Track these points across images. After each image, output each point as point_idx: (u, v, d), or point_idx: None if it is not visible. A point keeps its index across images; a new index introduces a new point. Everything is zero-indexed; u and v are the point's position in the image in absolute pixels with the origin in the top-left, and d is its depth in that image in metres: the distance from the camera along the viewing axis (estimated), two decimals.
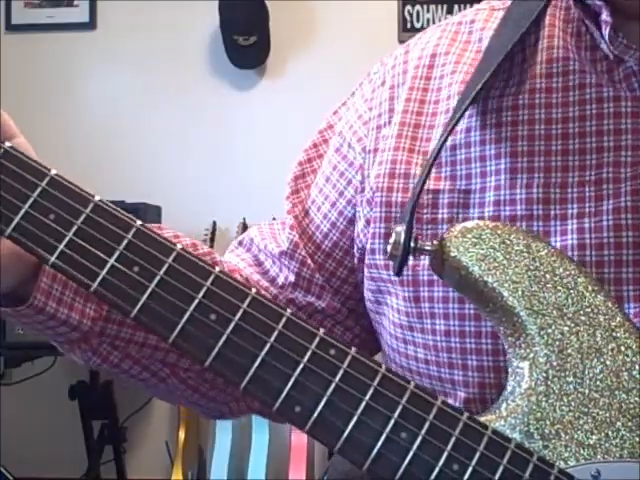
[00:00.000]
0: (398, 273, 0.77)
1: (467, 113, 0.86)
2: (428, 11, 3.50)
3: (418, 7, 3.50)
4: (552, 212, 0.81)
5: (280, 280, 0.96)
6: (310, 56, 3.52)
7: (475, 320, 0.82)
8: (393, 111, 0.93)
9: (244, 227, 3.33)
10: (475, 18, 0.94)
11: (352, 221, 0.94)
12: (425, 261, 0.84)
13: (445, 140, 0.82)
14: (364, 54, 3.19)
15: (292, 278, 0.96)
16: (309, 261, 0.95)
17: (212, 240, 3.32)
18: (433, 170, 0.86)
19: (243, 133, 3.50)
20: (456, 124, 0.83)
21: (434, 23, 3.43)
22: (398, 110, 0.92)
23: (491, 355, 0.81)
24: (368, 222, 0.91)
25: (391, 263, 0.86)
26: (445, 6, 3.49)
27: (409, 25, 3.50)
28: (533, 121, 0.84)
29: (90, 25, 3.59)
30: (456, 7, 3.47)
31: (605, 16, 0.81)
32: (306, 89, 3.46)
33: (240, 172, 3.46)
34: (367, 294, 0.92)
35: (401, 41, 3.47)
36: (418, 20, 3.50)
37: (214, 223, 3.38)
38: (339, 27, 3.50)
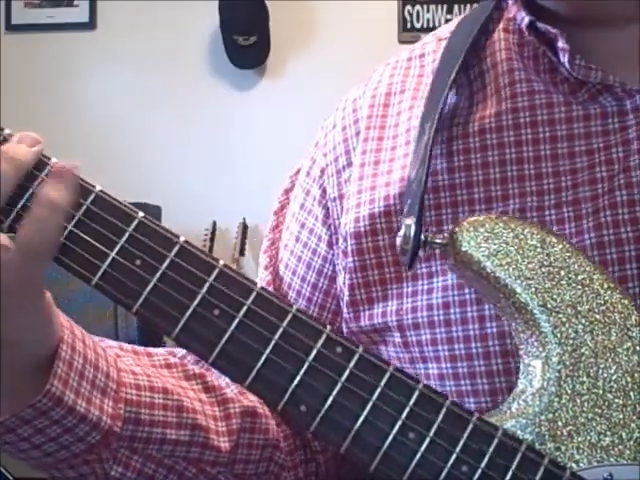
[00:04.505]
0: (410, 267, 0.75)
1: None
2: (428, 11, 3.50)
3: (418, 7, 3.50)
4: None
5: None
6: (310, 56, 3.51)
7: (467, 361, 0.80)
8: (349, 152, 0.91)
9: (244, 227, 3.33)
10: (424, 52, 0.93)
11: (334, 279, 0.90)
12: (408, 304, 0.83)
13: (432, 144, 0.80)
14: (364, 54, 3.20)
15: None
16: None
17: (212, 240, 3.32)
18: (396, 202, 0.84)
19: (243, 133, 3.49)
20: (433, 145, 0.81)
21: (434, 23, 3.44)
22: (357, 153, 0.90)
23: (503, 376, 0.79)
24: (350, 271, 0.87)
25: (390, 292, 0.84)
26: (445, 6, 3.49)
27: (409, 25, 3.50)
28: (503, 144, 0.82)
29: (90, 25, 3.59)
30: (456, 7, 3.46)
31: (562, 43, 0.80)
32: (306, 89, 3.46)
33: (240, 172, 3.46)
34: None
35: (401, 41, 3.47)
36: (418, 20, 3.50)
37: (214, 223, 3.37)
38: (339, 27, 3.49)
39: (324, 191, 0.92)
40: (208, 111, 3.51)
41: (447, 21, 3.43)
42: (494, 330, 0.78)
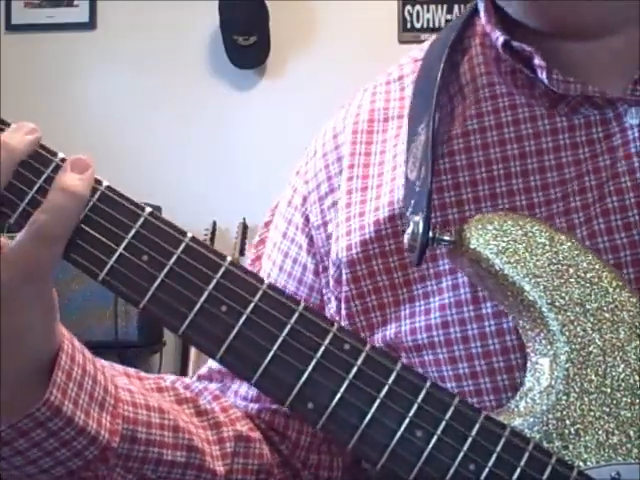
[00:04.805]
0: (418, 263, 0.75)
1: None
2: (428, 11, 3.49)
3: (418, 7, 3.49)
4: None
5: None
6: (310, 56, 3.51)
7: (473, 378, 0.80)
8: (332, 179, 0.90)
9: (244, 227, 3.32)
10: (402, 73, 0.92)
11: (322, 308, 0.89)
12: (407, 327, 0.82)
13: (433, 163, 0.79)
14: (364, 54, 3.20)
15: None
16: None
17: (212, 240, 3.31)
18: (387, 226, 0.84)
19: (243, 133, 3.49)
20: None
21: (434, 23, 3.43)
22: (342, 179, 0.89)
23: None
24: (348, 300, 0.86)
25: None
26: (445, 6, 3.48)
27: (409, 25, 3.49)
28: (490, 161, 0.82)
29: (90, 25, 3.59)
30: (456, 7, 3.46)
31: (538, 61, 0.80)
32: (306, 89, 3.45)
33: (240, 172, 3.45)
34: None
35: (401, 41, 3.47)
36: (418, 20, 3.49)
37: (214, 223, 3.37)
38: (339, 27, 3.49)
39: (307, 219, 0.91)
40: (208, 111, 3.50)
41: (447, 21, 3.43)
42: (497, 347, 0.78)
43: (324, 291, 0.89)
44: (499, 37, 0.83)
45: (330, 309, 0.89)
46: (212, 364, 0.95)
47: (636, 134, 0.79)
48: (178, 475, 0.81)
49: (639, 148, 0.78)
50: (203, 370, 0.96)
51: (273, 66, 3.54)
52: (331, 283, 0.88)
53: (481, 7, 0.87)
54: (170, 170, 3.47)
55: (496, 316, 0.78)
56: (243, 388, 0.92)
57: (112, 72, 3.56)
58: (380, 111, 0.91)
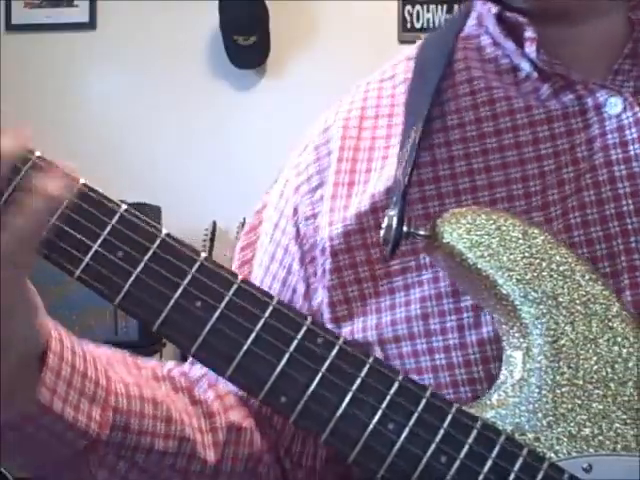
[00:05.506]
0: (391, 257, 0.75)
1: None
2: (428, 11, 3.49)
3: (418, 7, 3.49)
4: None
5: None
6: (310, 56, 3.51)
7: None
8: (321, 172, 0.91)
9: (244, 227, 3.32)
10: (395, 72, 0.93)
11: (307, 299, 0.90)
12: (387, 318, 0.83)
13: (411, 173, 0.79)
14: (364, 54, 3.19)
15: None
16: None
17: (212, 240, 3.31)
18: (369, 218, 0.84)
19: (243, 133, 3.49)
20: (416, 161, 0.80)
21: (434, 23, 3.43)
22: (331, 172, 0.90)
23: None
24: (330, 290, 0.86)
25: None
26: (445, 6, 3.48)
27: (409, 25, 3.49)
28: (469, 155, 0.82)
29: (90, 25, 3.59)
30: (456, 7, 3.45)
31: (530, 33, 0.80)
32: (306, 89, 3.45)
33: (240, 172, 3.45)
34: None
35: (401, 41, 3.47)
36: (418, 20, 3.50)
37: (214, 223, 3.36)
38: (339, 27, 3.49)
39: (295, 210, 0.91)
40: (208, 111, 3.51)
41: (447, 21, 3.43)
42: (473, 338, 0.79)
43: (311, 280, 0.90)
44: (491, 8, 0.84)
45: (316, 298, 0.89)
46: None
47: (614, 125, 0.79)
48: (169, 463, 0.82)
49: (617, 139, 0.79)
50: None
51: (273, 66, 3.55)
52: (318, 273, 0.89)
53: None
54: (170, 170, 3.47)
55: (474, 309, 0.78)
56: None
57: (112, 72, 3.56)
58: (372, 109, 0.92)
